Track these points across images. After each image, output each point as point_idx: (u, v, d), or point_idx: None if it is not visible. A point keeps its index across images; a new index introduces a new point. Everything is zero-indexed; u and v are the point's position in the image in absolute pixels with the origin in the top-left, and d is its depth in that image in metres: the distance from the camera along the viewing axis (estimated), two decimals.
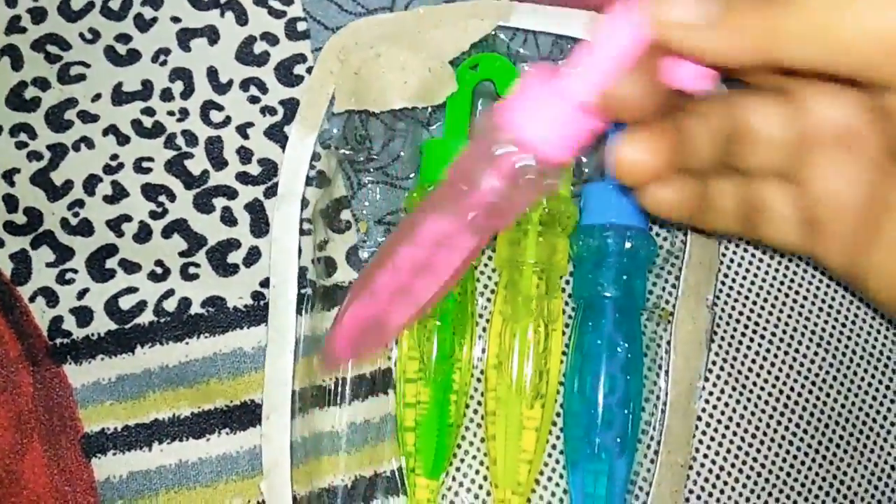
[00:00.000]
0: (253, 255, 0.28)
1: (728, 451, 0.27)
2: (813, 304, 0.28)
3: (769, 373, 0.28)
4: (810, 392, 0.28)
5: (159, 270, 0.27)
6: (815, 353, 0.28)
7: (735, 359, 0.28)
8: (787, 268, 0.29)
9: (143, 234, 0.28)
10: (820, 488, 0.27)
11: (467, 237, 0.21)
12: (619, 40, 0.18)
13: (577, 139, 0.19)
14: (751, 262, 0.29)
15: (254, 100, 0.29)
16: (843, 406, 0.28)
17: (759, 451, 0.27)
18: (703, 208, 0.22)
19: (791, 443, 0.27)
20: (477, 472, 0.27)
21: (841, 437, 0.27)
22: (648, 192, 0.21)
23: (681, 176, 0.21)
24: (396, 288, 0.22)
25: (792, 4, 0.16)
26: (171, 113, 0.29)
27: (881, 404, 0.28)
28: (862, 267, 0.20)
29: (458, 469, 0.26)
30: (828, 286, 0.29)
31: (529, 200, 0.21)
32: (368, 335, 0.23)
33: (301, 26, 0.30)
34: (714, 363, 0.28)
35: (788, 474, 0.27)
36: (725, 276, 0.28)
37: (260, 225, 0.28)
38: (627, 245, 0.26)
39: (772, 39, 0.16)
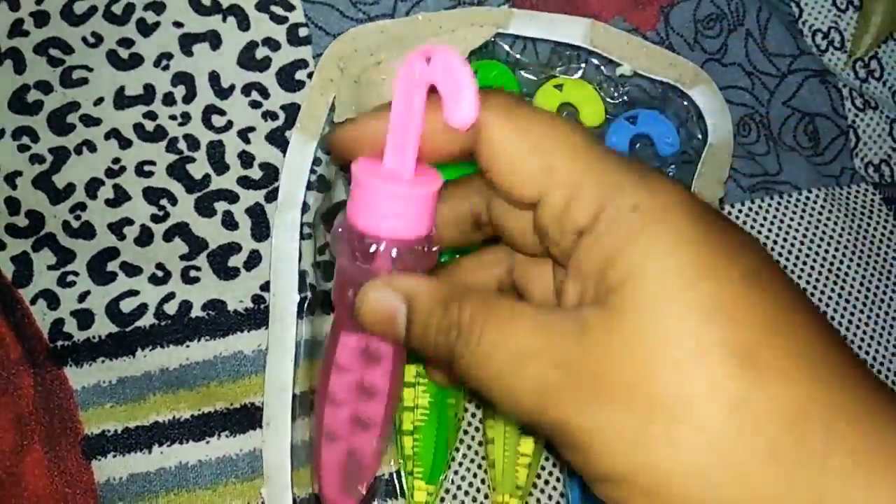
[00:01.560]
0: (253, 259, 0.28)
1: None
2: None
3: None
4: None
5: (160, 274, 0.28)
6: None
7: None
8: None
9: (145, 238, 0.28)
10: None
11: (383, 343, 0.22)
12: (414, 118, 0.19)
13: (424, 211, 0.20)
14: None
15: (255, 104, 0.29)
16: None
17: None
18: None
19: None
20: (475, 475, 0.27)
21: None
22: None
23: None
24: (349, 420, 0.23)
25: (457, 360, 0.18)
26: (172, 117, 0.29)
27: None
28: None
29: (456, 472, 0.27)
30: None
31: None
32: (352, 475, 0.23)
33: (302, 32, 0.30)
34: None
35: None
36: None
37: (261, 229, 0.28)
38: None
39: (447, 362, 0.19)
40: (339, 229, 0.21)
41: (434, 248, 0.21)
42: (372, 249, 0.20)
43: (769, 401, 0.15)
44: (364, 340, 0.22)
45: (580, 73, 0.29)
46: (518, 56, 0.29)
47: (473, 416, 0.27)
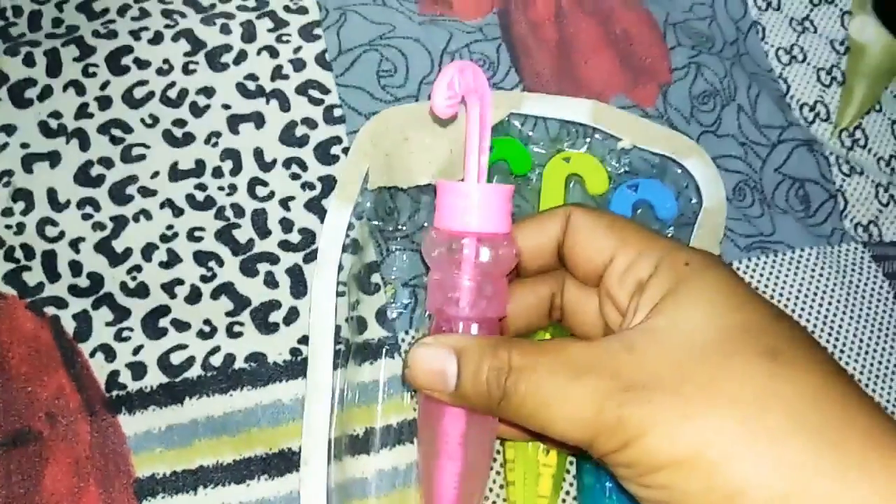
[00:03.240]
0: (292, 315, 0.31)
1: None
2: None
3: None
4: None
5: (207, 329, 0.30)
6: None
7: None
8: None
9: (194, 296, 0.31)
10: None
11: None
12: (474, 133, 0.23)
13: (503, 209, 0.23)
14: None
15: (295, 177, 0.33)
16: None
17: None
18: None
19: None
20: None
21: None
22: None
23: None
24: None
25: (506, 403, 0.21)
26: (221, 188, 0.32)
27: None
28: None
29: None
30: None
31: (503, 276, 0.24)
32: None
33: (337, 112, 0.34)
34: None
35: None
36: None
37: (299, 287, 0.31)
38: None
39: (497, 412, 0.22)
40: (428, 242, 0.23)
41: (514, 251, 0.23)
42: (460, 248, 0.22)
43: (790, 378, 0.19)
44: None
45: (586, 147, 0.32)
46: (530, 133, 0.33)
47: (495, 460, 0.29)
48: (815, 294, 0.33)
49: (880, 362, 0.33)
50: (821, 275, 0.34)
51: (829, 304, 0.33)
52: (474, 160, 0.23)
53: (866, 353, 0.33)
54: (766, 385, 0.19)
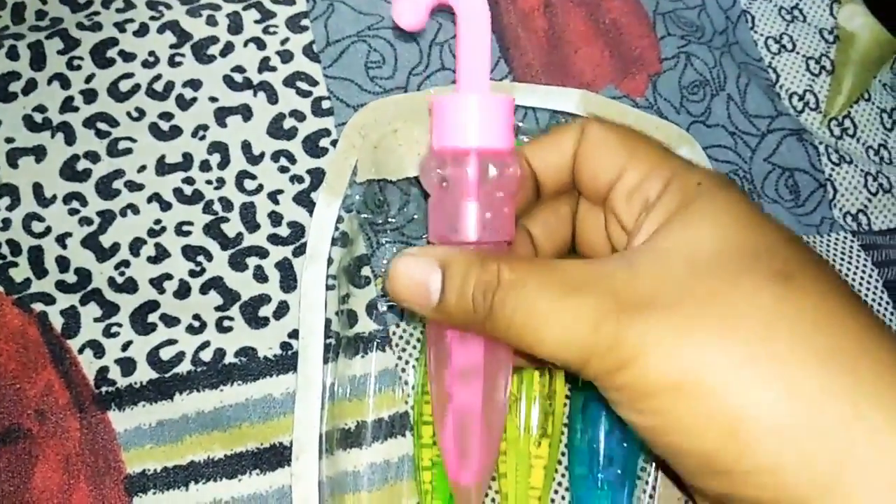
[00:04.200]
0: (282, 309, 0.30)
1: None
2: None
3: None
4: None
5: (197, 324, 0.30)
6: None
7: None
8: None
9: (183, 291, 0.31)
10: None
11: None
12: (467, 34, 0.21)
13: (505, 122, 0.21)
14: None
15: (283, 169, 0.32)
16: None
17: None
18: None
19: None
20: None
21: None
22: None
23: None
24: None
25: (493, 317, 0.19)
26: (209, 182, 0.32)
27: None
28: None
29: None
30: None
31: (509, 197, 0.22)
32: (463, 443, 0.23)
33: (325, 104, 0.33)
34: None
35: None
36: None
37: (288, 281, 0.31)
38: None
39: (480, 328, 0.20)
40: (425, 164, 0.21)
41: (519, 169, 0.21)
42: (460, 167, 0.20)
43: (801, 303, 0.18)
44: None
45: None
46: (520, 123, 0.32)
47: None
48: None
49: None
50: None
51: None
52: (468, 65, 0.21)
53: None
54: (775, 308, 0.17)
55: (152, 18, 0.34)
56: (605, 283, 0.18)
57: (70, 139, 0.32)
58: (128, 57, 0.34)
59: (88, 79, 0.33)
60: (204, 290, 0.31)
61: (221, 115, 0.33)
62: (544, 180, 0.24)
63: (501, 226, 0.21)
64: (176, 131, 0.33)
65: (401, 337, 0.30)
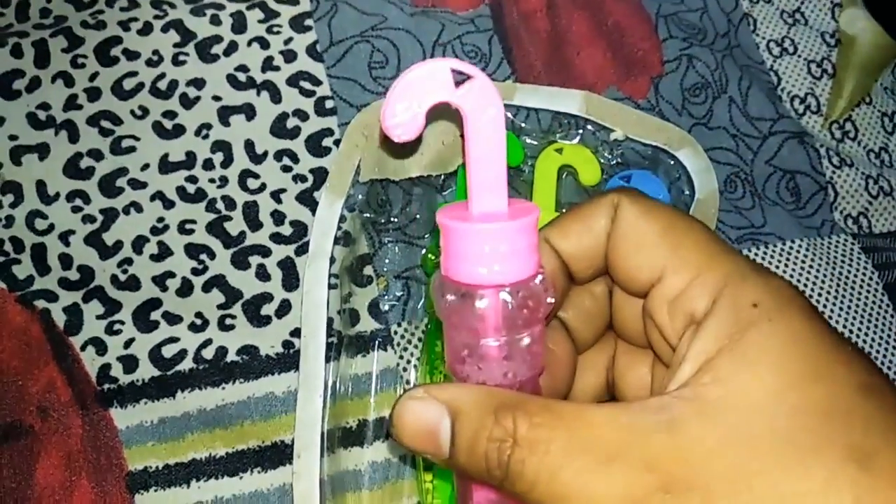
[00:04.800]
0: (284, 308, 0.30)
1: None
2: None
3: None
4: None
5: (199, 322, 0.30)
6: None
7: None
8: None
9: (185, 289, 0.31)
10: None
11: None
12: (487, 152, 0.18)
13: (525, 248, 0.18)
14: None
15: (286, 169, 0.32)
16: None
17: None
18: None
19: None
20: None
21: None
22: None
23: None
24: None
25: (515, 484, 0.16)
26: (212, 180, 0.32)
27: None
28: None
29: None
30: None
31: (536, 325, 0.19)
32: None
33: (328, 104, 0.33)
34: None
35: None
36: None
37: (291, 280, 0.31)
38: None
39: (498, 479, 0.17)
40: (437, 287, 0.18)
41: (549, 294, 0.18)
42: (477, 304, 0.17)
43: (884, 496, 0.15)
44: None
45: (578, 138, 0.32)
46: (522, 124, 0.33)
47: None
48: (806, 285, 0.34)
49: (870, 352, 0.33)
50: (811, 266, 0.34)
51: (820, 295, 0.34)
52: (481, 179, 0.18)
53: (856, 343, 0.33)
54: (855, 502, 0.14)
55: (156, 17, 0.34)
56: (644, 452, 0.16)
57: (74, 137, 0.32)
58: (132, 55, 0.34)
59: (92, 77, 0.33)
60: (206, 288, 0.31)
61: (225, 113, 0.33)
62: (576, 268, 0.20)
63: (527, 361, 0.18)
64: (179, 130, 0.33)
65: (402, 336, 0.30)
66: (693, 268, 0.18)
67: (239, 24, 0.34)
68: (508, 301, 0.18)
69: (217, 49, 0.34)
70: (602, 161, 0.32)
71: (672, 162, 0.32)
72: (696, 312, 0.18)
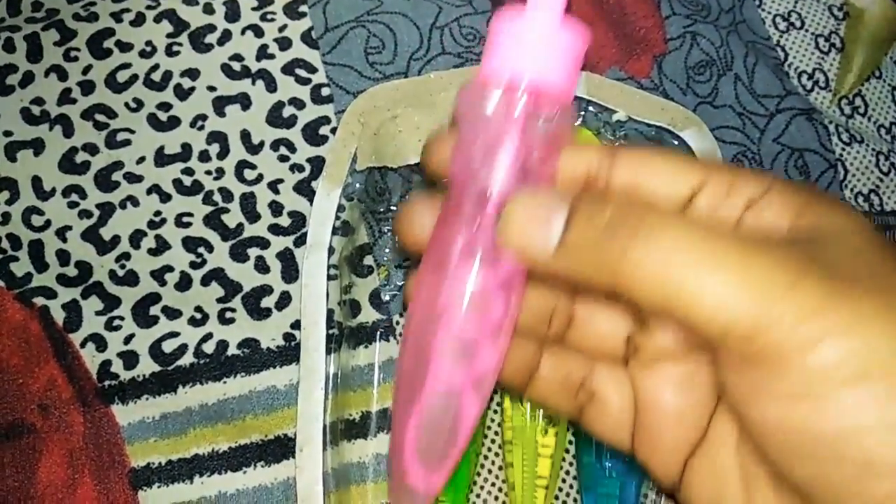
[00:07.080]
0: (284, 300, 0.30)
1: None
2: None
3: None
4: None
5: (199, 316, 0.30)
6: None
7: None
8: None
9: (184, 283, 0.30)
10: None
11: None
12: None
13: (571, 60, 0.17)
14: None
15: (283, 158, 0.32)
16: None
17: None
18: (531, 377, 0.21)
19: None
20: (496, 498, 0.28)
21: None
22: None
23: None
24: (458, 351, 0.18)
25: (632, 250, 0.15)
26: (208, 172, 0.32)
27: None
28: (681, 485, 0.19)
29: (478, 495, 0.28)
30: None
31: (553, 153, 0.18)
32: (436, 439, 0.18)
33: (325, 92, 0.33)
34: None
35: None
36: None
37: (290, 272, 0.30)
38: None
39: (610, 275, 0.15)
40: (464, 93, 0.17)
41: (572, 121, 0.17)
42: (509, 101, 0.16)
43: None
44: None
45: (580, 120, 0.32)
46: None
47: (493, 441, 0.29)
48: None
49: None
50: None
51: None
52: None
53: None
54: None
55: (149, 7, 0.34)
56: (792, 246, 0.14)
57: (68, 131, 0.32)
58: (125, 47, 0.33)
59: (86, 70, 0.33)
60: (205, 281, 0.30)
61: (220, 104, 0.33)
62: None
63: (541, 183, 0.18)
64: (174, 121, 0.32)
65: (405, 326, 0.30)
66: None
67: (232, 13, 0.34)
68: (533, 111, 0.17)
69: (211, 38, 0.33)
70: (605, 143, 0.31)
71: (676, 142, 0.32)
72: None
